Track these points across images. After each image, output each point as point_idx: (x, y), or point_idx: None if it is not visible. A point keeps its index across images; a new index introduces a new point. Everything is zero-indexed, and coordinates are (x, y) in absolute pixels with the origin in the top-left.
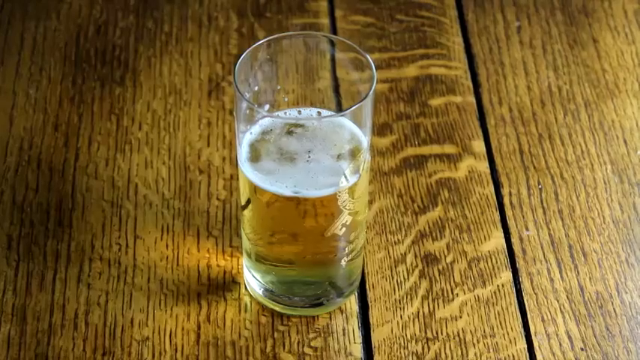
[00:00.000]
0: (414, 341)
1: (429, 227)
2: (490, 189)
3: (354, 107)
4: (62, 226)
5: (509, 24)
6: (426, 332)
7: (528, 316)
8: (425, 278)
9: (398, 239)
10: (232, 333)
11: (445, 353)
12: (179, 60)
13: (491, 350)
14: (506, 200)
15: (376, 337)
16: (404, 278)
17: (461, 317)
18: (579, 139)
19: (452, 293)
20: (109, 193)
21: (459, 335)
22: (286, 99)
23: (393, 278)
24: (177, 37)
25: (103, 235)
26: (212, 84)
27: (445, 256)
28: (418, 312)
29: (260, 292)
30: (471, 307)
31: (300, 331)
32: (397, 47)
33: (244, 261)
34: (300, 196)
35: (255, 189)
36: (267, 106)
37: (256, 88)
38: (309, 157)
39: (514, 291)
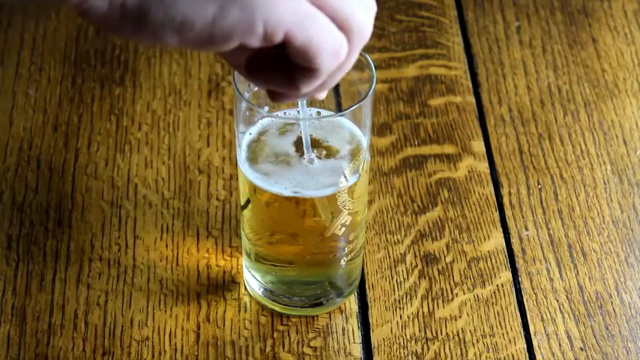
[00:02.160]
0: (413, 341)
1: (428, 227)
2: (490, 189)
3: (353, 107)
4: (62, 226)
5: (509, 24)
6: (425, 332)
7: (528, 316)
8: (424, 278)
9: (397, 239)
10: (232, 333)
11: (445, 353)
12: (179, 60)
13: (490, 350)
14: (505, 200)
15: (376, 337)
16: (403, 278)
17: (460, 317)
18: (579, 139)
19: (451, 293)
20: (108, 193)
21: (458, 335)
22: None
23: (392, 278)
24: None
25: (102, 235)
26: (212, 84)
27: (445, 256)
28: (418, 312)
29: (260, 292)
30: (471, 306)
31: (300, 331)
32: (397, 47)
33: (244, 261)
34: (299, 197)
35: (254, 189)
36: (266, 107)
37: (256, 89)
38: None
39: (513, 291)
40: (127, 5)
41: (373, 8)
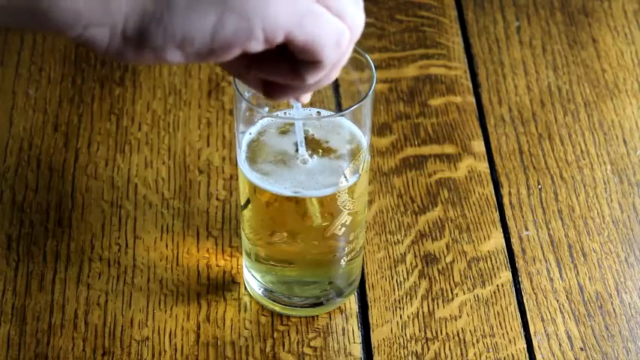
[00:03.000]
0: (413, 341)
1: (428, 227)
2: (490, 189)
3: (353, 107)
4: (62, 227)
5: (509, 24)
6: (425, 332)
7: (528, 316)
8: (424, 278)
9: (397, 239)
10: (232, 333)
11: (445, 353)
12: None
13: (490, 350)
14: (505, 200)
15: (376, 337)
16: (403, 278)
17: (460, 317)
18: (579, 139)
19: (451, 293)
20: (108, 193)
21: (458, 335)
22: None
23: (392, 278)
24: None
25: (102, 235)
26: (212, 84)
27: (445, 256)
28: (418, 312)
29: (260, 292)
30: (471, 306)
31: (300, 331)
32: (397, 47)
33: (244, 261)
34: (299, 196)
35: (254, 189)
36: (266, 107)
37: None
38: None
39: (514, 291)
40: (128, 32)
41: (361, 4)
